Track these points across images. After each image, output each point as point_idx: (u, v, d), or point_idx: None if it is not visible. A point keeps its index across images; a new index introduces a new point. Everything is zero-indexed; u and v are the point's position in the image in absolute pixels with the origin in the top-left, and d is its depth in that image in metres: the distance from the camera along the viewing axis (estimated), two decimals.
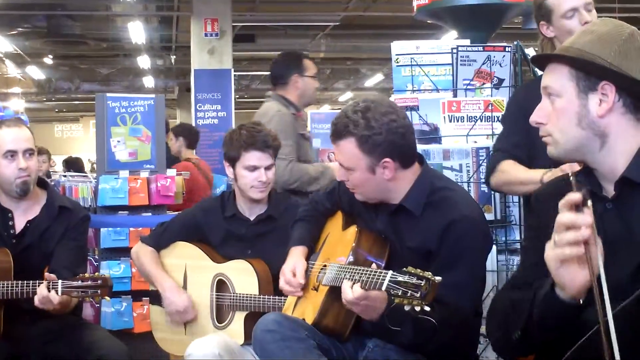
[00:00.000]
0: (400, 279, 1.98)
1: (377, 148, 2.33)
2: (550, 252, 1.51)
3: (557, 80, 1.72)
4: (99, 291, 2.70)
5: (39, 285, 2.71)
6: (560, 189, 1.83)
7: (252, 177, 3.02)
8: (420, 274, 1.96)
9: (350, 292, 2.16)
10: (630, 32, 1.70)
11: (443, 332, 2.13)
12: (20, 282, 2.78)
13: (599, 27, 1.73)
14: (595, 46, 1.68)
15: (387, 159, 2.34)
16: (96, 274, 2.76)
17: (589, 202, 1.47)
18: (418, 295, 1.94)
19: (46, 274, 2.76)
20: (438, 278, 1.95)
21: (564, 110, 1.71)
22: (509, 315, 1.74)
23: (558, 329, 1.61)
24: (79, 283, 2.69)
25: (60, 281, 2.69)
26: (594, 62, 1.66)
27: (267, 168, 3.04)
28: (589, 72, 1.68)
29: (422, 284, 1.94)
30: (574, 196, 1.47)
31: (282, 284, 2.62)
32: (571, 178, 1.51)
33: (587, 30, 1.74)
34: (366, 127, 2.32)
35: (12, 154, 2.91)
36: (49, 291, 2.67)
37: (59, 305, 2.71)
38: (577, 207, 1.47)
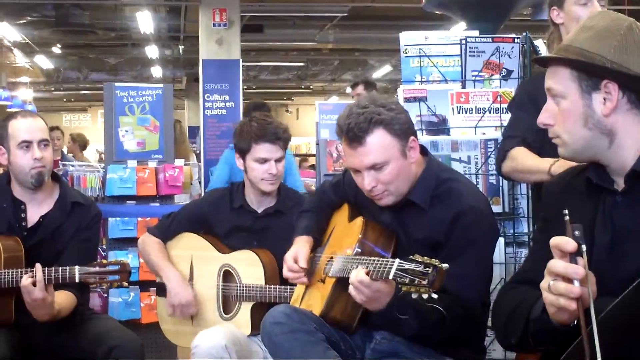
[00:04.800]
0: (407, 266, 1.97)
1: (403, 127, 2.34)
2: (546, 295, 1.52)
3: (560, 81, 1.71)
4: (118, 277, 2.71)
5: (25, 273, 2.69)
6: (569, 182, 1.83)
7: (263, 170, 3.01)
8: (427, 261, 1.95)
9: (355, 274, 2.13)
10: (628, 25, 1.68)
11: (449, 322, 2.12)
12: (9, 270, 2.76)
13: (597, 21, 1.71)
14: (594, 43, 1.66)
15: (413, 137, 2.37)
16: (114, 259, 2.75)
17: (584, 247, 1.44)
18: (425, 282, 1.93)
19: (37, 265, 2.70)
20: (445, 265, 1.94)
21: (569, 112, 1.70)
22: (509, 319, 1.74)
23: (552, 344, 1.61)
24: (97, 269, 2.69)
25: (77, 267, 2.69)
26: (594, 63, 1.65)
27: (277, 160, 3.03)
28: (590, 72, 1.66)
29: (429, 271, 1.93)
30: (568, 245, 1.45)
31: (285, 272, 2.62)
32: (566, 217, 1.48)
33: (586, 25, 1.72)
34: (388, 111, 2.32)
35: (27, 144, 2.90)
36: (34, 285, 2.64)
37: (41, 297, 2.66)
38: (571, 255, 1.45)
